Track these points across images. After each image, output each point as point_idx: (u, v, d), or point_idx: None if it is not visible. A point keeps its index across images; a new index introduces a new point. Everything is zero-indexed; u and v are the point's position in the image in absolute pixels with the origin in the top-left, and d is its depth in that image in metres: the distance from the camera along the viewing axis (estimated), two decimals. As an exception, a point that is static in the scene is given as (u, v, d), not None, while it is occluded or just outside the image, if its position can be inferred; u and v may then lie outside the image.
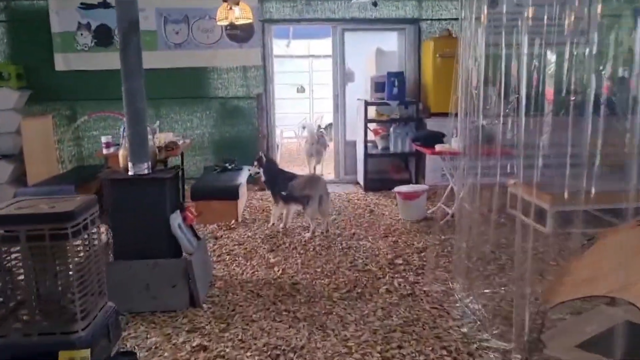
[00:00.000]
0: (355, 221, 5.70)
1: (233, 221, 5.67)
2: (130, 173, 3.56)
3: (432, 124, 7.00)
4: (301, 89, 14.62)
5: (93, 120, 7.36)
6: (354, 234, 5.24)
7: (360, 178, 7.37)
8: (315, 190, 5.19)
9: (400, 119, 7.14)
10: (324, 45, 14.56)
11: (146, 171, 3.58)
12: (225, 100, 7.50)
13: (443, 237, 5.05)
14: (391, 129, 7.27)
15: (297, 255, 4.66)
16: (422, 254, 4.60)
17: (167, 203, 3.59)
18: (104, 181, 3.58)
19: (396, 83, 6.94)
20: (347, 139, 7.74)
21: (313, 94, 14.86)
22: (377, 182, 7.31)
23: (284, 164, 9.70)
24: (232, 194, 5.66)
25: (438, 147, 5.40)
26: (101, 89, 7.35)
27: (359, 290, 3.84)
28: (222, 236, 5.25)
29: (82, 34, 7.20)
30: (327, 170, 8.99)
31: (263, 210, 6.25)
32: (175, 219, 3.63)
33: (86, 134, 7.45)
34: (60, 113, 7.38)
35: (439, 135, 5.71)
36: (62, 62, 7.23)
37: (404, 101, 7.09)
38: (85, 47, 7.23)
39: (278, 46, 12.11)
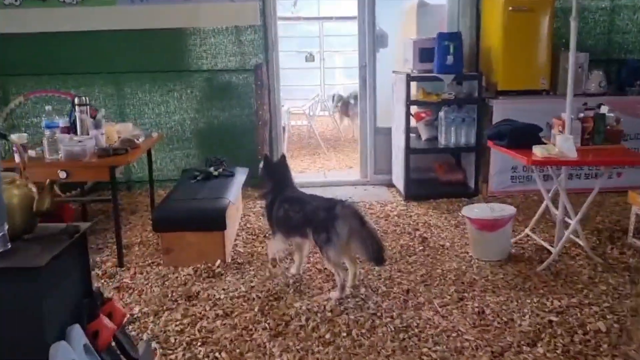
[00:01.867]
0: (404, 262, 3.74)
1: (218, 262, 3.73)
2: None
3: (502, 107, 4.98)
4: (310, 57, 12.50)
5: (32, 103, 5.38)
6: (407, 292, 3.28)
7: (399, 181, 5.38)
8: (342, 221, 3.21)
9: (456, 100, 5.10)
10: (336, 5, 12.49)
11: (-2, 248, 1.62)
12: (212, 74, 5.48)
13: (557, 301, 3.09)
14: (441, 114, 5.24)
15: (321, 346, 2.72)
16: (539, 348, 2.65)
17: (46, 317, 1.63)
18: None
19: (451, 49, 4.89)
20: (378, 126, 5.72)
21: (324, 62, 12.77)
22: (421, 187, 5.33)
23: (293, 153, 7.75)
24: (216, 222, 3.70)
25: (538, 152, 3.38)
26: (41, 60, 5.37)
27: None
28: (198, 294, 3.31)
29: (9, -17, 5.18)
30: (345, 164, 7.00)
31: (264, 235, 4.31)
32: (67, 350, 1.67)
33: (23, 121, 5.46)
34: (-16, 94, 5.41)
35: (533, 129, 3.69)
36: (-16, 22, 5.23)
37: (462, 75, 5.05)
38: (16, 0, 5.20)
39: (282, 5, 10.05)
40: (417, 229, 4.40)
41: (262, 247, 4.08)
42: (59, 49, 5.30)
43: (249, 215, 4.83)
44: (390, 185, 5.68)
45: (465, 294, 3.22)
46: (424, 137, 5.51)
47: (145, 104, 5.48)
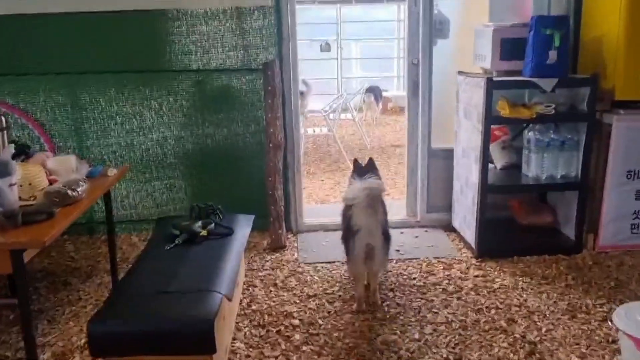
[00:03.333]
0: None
1: (203, 407, 2.20)
2: None
3: (625, 127, 3.43)
4: (326, 47, 10.94)
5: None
6: None
7: (465, 227, 3.81)
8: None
9: (556, 115, 3.52)
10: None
11: None
12: (203, 75, 3.93)
13: None
14: (529, 134, 3.67)
15: None
16: None
17: None
18: None
19: (556, 41, 3.31)
20: (433, 147, 4.15)
21: (342, 52, 11.16)
22: (496, 235, 3.77)
23: (310, 168, 6.18)
24: (198, 342, 2.16)
25: None
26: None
27: None
28: None
29: None
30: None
31: (278, 330, 2.79)
32: None
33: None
34: None
35: None
36: None
37: (569, 79, 3.48)
38: None
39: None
40: (513, 320, 2.86)
41: (278, 358, 2.56)
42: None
43: (255, 286, 3.30)
44: (449, 228, 4.13)
45: None
46: (498, 164, 3.94)
47: (110, 117, 3.94)
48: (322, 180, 5.83)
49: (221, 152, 4.02)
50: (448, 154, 4.06)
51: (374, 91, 8.89)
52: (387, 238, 2.97)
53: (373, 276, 3.04)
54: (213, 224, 3.01)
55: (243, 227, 3.16)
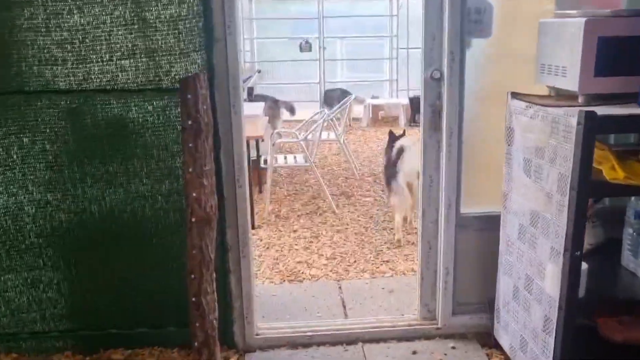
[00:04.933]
0: None
1: None
2: None
3: None
4: (306, 46, 9.41)
5: None
6: None
7: (520, 353, 2.24)
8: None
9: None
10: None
11: None
12: (80, 99, 2.31)
13: None
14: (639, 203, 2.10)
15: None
16: None
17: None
18: None
19: None
20: (463, 212, 2.56)
21: (324, 53, 9.59)
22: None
23: (280, 210, 4.48)
24: None
25: None
26: None
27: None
28: None
29: None
30: (372, 244, 3.76)
31: None
32: None
33: None
34: None
35: None
36: None
37: None
38: None
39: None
40: None
41: None
42: None
43: None
44: (488, 341, 2.56)
45: None
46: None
47: None
48: (296, 231, 4.23)
49: (116, 226, 2.41)
50: (486, 224, 2.50)
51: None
52: None
53: (411, 209, 3.90)
54: None
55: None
